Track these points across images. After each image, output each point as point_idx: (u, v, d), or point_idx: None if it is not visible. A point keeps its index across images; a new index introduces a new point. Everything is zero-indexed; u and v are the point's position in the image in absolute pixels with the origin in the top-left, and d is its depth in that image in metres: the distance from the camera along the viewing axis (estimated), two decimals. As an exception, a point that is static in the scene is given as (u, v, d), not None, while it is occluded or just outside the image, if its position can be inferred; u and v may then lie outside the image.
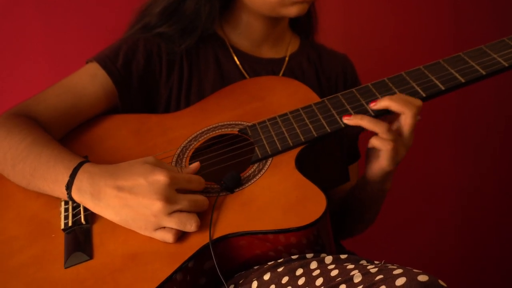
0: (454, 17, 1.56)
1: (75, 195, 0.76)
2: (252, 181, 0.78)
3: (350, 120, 0.82)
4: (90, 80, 0.93)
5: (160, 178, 0.71)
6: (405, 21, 1.55)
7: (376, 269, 0.62)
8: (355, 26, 1.53)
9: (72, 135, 0.92)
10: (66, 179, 0.76)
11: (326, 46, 1.13)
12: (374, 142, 0.81)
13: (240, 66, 1.01)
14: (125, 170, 0.74)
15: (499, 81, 1.58)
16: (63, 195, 0.77)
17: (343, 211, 1.02)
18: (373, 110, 0.83)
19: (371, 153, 0.86)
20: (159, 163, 0.75)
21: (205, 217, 0.74)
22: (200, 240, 0.72)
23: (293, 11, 0.94)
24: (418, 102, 0.82)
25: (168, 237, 0.72)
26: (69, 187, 0.76)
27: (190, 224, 0.72)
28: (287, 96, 0.91)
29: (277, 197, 0.74)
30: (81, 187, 0.75)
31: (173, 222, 0.71)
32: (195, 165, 0.80)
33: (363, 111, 0.83)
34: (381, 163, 0.83)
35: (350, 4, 1.52)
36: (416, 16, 1.56)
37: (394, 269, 0.61)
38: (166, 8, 0.96)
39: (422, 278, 0.58)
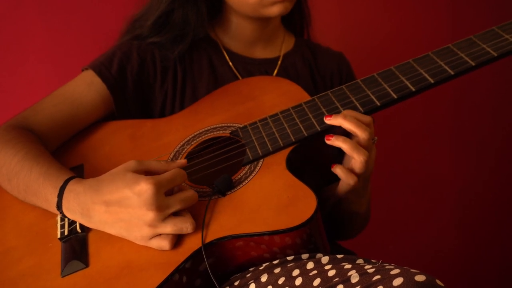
0: (451, 14, 1.50)
1: (67, 214, 0.72)
2: (244, 183, 0.73)
3: (330, 120, 0.76)
4: (86, 88, 0.89)
5: (146, 187, 0.66)
6: (402, 19, 1.50)
7: (374, 269, 0.58)
8: (352, 24, 1.48)
9: (67, 144, 0.88)
10: (55, 199, 0.72)
11: (323, 44, 1.07)
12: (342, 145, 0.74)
13: (233, 68, 0.96)
14: (109, 182, 0.69)
15: (498, 79, 1.52)
16: (57, 213, 0.74)
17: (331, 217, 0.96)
18: (362, 107, 0.78)
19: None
20: (141, 165, 0.70)
21: (198, 221, 0.69)
22: (193, 245, 0.68)
23: (274, 10, 0.89)
24: (368, 119, 0.75)
25: (164, 244, 0.67)
26: (59, 207, 0.72)
27: (186, 227, 0.67)
28: (279, 95, 0.86)
29: (268, 198, 0.70)
30: (69, 208, 0.71)
31: (169, 228, 0.67)
32: (182, 161, 0.74)
33: (353, 108, 0.78)
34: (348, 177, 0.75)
35: (346, 2, 1.47)
36: (413, 14, 1.50)
37: (392, 269, 0.57)
38: (157, 21, 0.93)
39: (420, 278, 0.54)
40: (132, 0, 0.98)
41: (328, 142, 0.75)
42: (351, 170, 0.75)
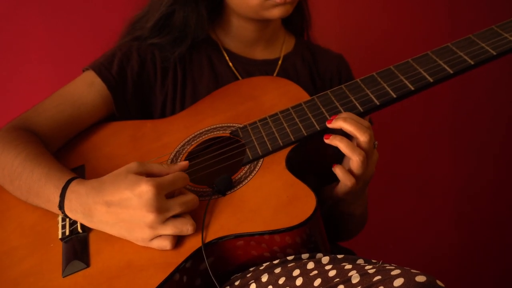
0: (450, 14, 1.49)
1: (68, 214, 0.72)
2: (244, 183, 0.73)
3: (332, 125, 0.75)
4: (87, 89, 0.88)
5: (146, 189, 0.65)
6: (401, 19, 1.48)
7: (374, 269, 0.57)
8: (351, 24, 1.47)
9: (68, 145, 0.87)
10: (57, 199, 0.72)
11: (322, 45, 1.06)
12: (344, 149, 0.72)
13: (233, 68, 0.96)
14: (110, 183, 0.68)
15: (496, 79, 1.51)
16: (59, 213, 0.73)
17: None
18: (361, 107, 0.77)
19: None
20: (143, 167, 0.70)
21: (198, 221, 0.69)
22: (193, 244, 0.67)
23: (275, 13, 0.88)
24: (366, 123, 0.74)
25: (165, 244, 0.67)
26: (61, 207, 0.71)
27: (186, 228, 0.67)
28: (278, 95, 0.86)
29: (268, 198, 0.69)
30: (71, 208, 0.71)
31: (169, 230, 0.67)
32: (183, 163, 0.74)
33: (352, 108, 0.77)
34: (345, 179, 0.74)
35: (346, 3, 1.46)
36: (411, 13, 1.49)
37: (392, 270, 0.56)
38: (157, 23, 0.92)
39: (420, 278, 0.54)
40: (132, 0, 0.97)
41: (326, 141, 0.75)
42: (349, 171, 0.74)
